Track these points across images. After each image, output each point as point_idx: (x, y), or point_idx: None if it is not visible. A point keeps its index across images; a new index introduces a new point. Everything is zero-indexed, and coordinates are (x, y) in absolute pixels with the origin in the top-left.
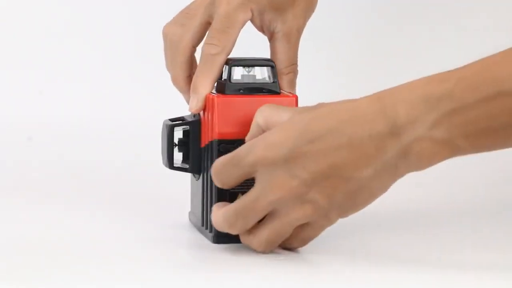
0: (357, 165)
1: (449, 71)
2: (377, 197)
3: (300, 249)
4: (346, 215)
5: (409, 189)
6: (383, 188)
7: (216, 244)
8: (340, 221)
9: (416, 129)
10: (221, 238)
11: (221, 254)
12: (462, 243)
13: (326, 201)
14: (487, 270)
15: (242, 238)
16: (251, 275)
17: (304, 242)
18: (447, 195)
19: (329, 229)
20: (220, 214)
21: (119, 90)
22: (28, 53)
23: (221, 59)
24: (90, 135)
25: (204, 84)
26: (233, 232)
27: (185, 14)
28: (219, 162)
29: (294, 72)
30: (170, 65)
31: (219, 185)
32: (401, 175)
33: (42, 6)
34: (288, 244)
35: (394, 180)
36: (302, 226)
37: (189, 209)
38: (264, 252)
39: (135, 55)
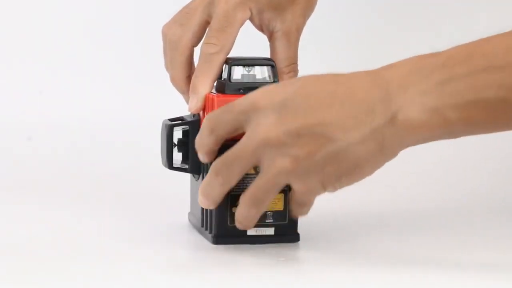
0: (345, 126)
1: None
2: (363, 172)
3: (299, 249)
4: (329, 184)
5: (410, 189)
6: (369, 161)
7: (216, 245)
8: (340, 220)
9: (406, 96)
10: (221, 239)
11: (221, 255)
12: (463, 243)
13: (306, 158)
14: (487, 270)
15: (236, 212)
16: (251, 276)
17: (300, 208)
18: (447, 195)
19: (329, 230)
20: (209, 171)
21: (119, 90)
22: (28, 53)
23: (220, 58)
24: (90, 135)
25: (204, 84)
26: (217, 184)
27: (184, 13)
28: (213, 111)
29: (294, 71)
30: (169, 65)
31: (207, 132)
32: (391, 146)
33: (42, 6)
34: (290, 213)
35: (381, 153)
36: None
37: (189, 210)
38: (251, 213)
39: (135, 55)
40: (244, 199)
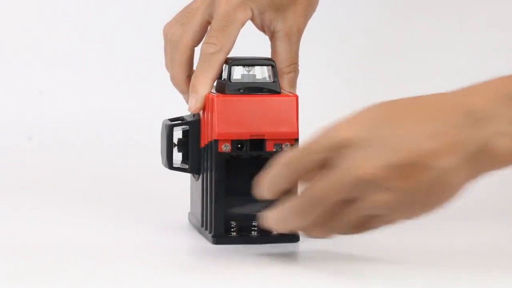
0: (437, 154)
1: None
2: (451, 198)
3: (299, 249)
4: (417, 213)
5: None
6: (459, 186)
7: (216, 245)
8: None
9: (495, 126)
10: (221, 239)
11: (221, 255)
12: (466, 243)
13: (406, 190)
14: (487, 271)
15: (305, 232)
16: (251, 276)
17: (362, 231)
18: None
19: None
20: (287, 205)
21: (119, 90)
22: (28, 53)
23: (220, 58)
24: (90, 135)
25: (203, 84)
26: (301, 221)
27: (186, 13)
28: (290, 153)
29: (295, 71)
30: (169, 65)
31: (285, 174)
32: (479, 172)
33: (42, 6)
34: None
35: (471, 178)
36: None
37: (189, 210)
38: (326, 236)
39: (135, 55)
40: (334, 228)
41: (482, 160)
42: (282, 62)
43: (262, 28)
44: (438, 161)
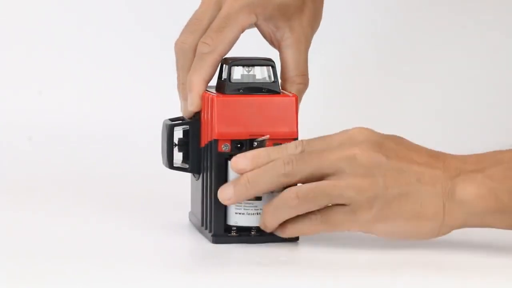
0: (419, 174)
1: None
2: (420, 219)
3: (299, 249)
4: (377, 223)
5: None
6: (432, 207)
7: (216, 245)
8: None
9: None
10: (221, 238)
11: (221, 254)
12: (463, 242)
13: (384, 187)
14: (487, 272)
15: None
16: (251, 275)
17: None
18: None
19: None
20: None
21: (119, 90)
22: (28, 53)
23: (212, 58)
24: (90, 135)
25: (196, 82)
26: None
27: (193, 21)
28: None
29: (305, 83)
30: (181, 74)
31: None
32: (448, 213)
33: (42, 6)
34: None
35: (445, 210)
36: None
37: (189, 209)
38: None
39: (135, 55)
40: (297, 191)
41: (450, 201)
42: (292, 71)
43: (269, 37)
44: (416, 178)
